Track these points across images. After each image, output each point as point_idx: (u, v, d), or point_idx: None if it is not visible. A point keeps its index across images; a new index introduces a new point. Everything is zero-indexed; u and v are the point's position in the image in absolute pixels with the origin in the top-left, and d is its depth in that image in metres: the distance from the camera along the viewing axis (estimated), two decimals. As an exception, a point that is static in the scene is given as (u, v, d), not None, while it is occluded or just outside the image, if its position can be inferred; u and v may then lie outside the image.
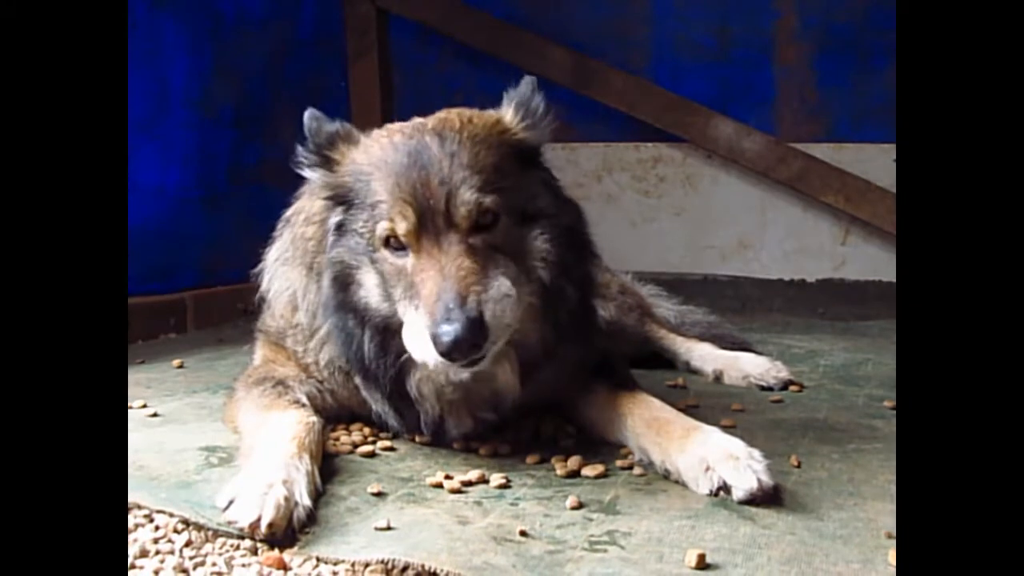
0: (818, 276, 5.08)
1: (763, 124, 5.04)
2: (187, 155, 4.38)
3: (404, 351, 2.20)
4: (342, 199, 2.31)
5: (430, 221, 2.14)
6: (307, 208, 2.57)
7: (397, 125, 2.38)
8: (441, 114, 2.36)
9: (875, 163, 4.76)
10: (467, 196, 2.14)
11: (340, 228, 2.31)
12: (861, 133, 4.90)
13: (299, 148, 2.38)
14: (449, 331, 2.00)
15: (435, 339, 2.03)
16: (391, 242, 2.19)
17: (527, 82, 2.42)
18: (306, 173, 2.39)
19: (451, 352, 2.02)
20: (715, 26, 5.17)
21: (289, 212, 2.69)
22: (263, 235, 2.76)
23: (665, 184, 5.31)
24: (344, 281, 2.30)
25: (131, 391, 2.94)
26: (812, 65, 5.04)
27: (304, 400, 2.39)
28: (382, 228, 2.18)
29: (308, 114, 2.40)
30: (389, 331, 2.26)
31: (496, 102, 2.41)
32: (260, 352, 2.66)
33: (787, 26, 5.06)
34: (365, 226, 2.23)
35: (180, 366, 3.48)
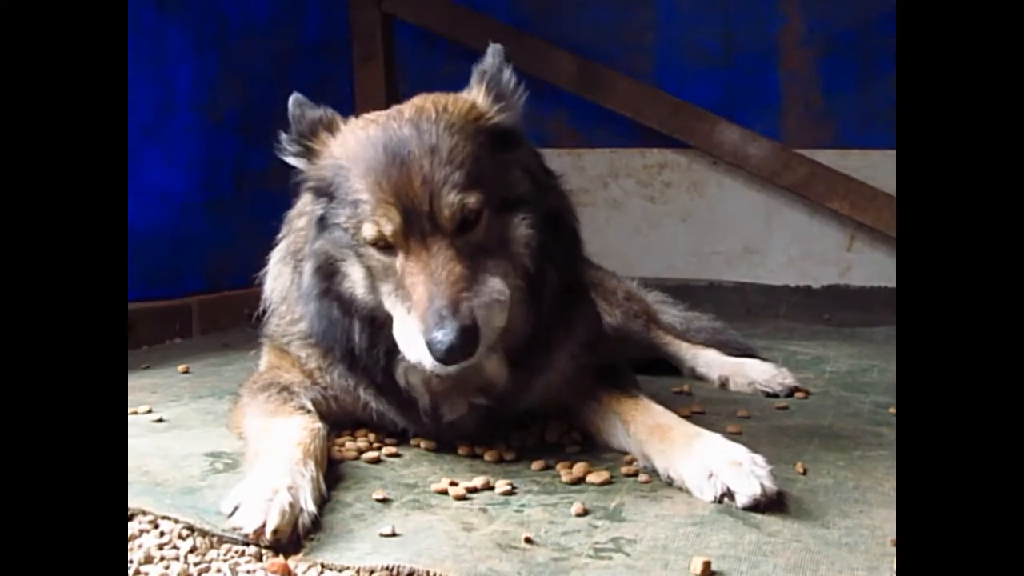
0: (823, 282, 5.07)
1: (768, 130, 5.04)
2: (193, 159, 4.39)
3: (393, 343, 2.21)
4: (323, 191, 2.30)
5: (415, 222, 2.13)
6: (301, 202, 2.58)
7: (374, 115, 2.35)
8: (417, 101, 2.33)
9: (880, 169, 4.76)
10: (451, 198, 2.12)
11: (323, 221, 2.30)
12: (866, 139, 4.89)
13: (282, 135, 2.36)
14: (444, 340, 2.03)
15: (430, 345, 2.05)
16: (378, 242, 2.17)
17: (494, 53, 2.37)
18: (288, 161, 2.38)
19: (446, 359, 2.06)
20: (720, 32, 5.17)
21: (292, 212, 2.69)
22: (269, 240, 2.76)
23: (671, 190, 5.31)
24: (328, 271, 2.31)
25: (136, 396, 2.94)
26: (817, 71, 5.04)
27: (309, 406, 2.39)
28: (368, 229, 2.16)
29: (293, 99, 2.38)
30: (376, 322, 2.28)
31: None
32: (266, 358, 2.66)
33: (792, 32, 5.06)
34: (348, 222, 2.22)
35: (185, 371, 3.48)
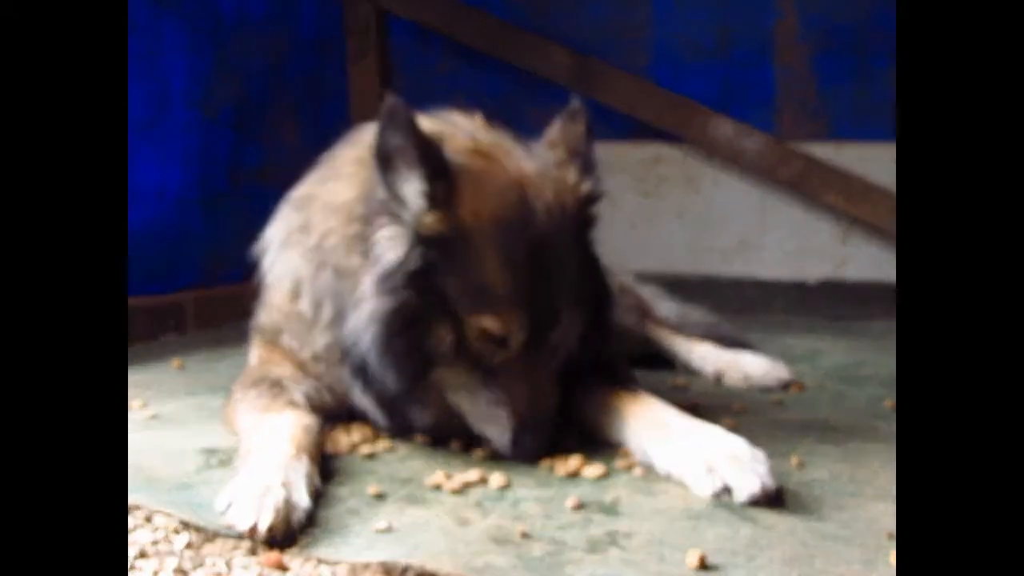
0: (819, 276, 5.07)
1: (763, 124, 5.03)
2: (187, 156, 4.38)
3: (422, 385, 2.28)
4: (429, 244, 2.18)
5: (535, 330, 2.21)
6: (325, 196, 2.45)
7: (485, 172, 2.24)
8: (530, 171, 2.28)
9: (876, 163, 4.75)
10: (568, 325, 2.27)
11: (420, 275, 2.18)
12: (862, 133, 4.89)
13: (404, 165, 2.17)
14: (533, 445, 2.23)
15: (516, 443, 2.22)
16: (496, 338, 2.22)
17: (576, 117, 2.40)
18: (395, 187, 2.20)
19: (529, 458, 2.24)
20: (716, 26, 5.16)
21: (298, 194, 2.58)
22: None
23: (666, 185, 5.30)
24: (407, 322, 2.21)
25: (131, 392, 2.94)
26: (813, 65, 5.03)
27: (301, 400, 2.38)
28: (494, 325, 2.19)
29: (393, 108, 2.14)
30: (421, 370, 2.28)
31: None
32: (255, 352, 2.62)
33: (788, 26, 5.05)
34: (464, 300, 2.18)
35: (180, 367, 3.48)
